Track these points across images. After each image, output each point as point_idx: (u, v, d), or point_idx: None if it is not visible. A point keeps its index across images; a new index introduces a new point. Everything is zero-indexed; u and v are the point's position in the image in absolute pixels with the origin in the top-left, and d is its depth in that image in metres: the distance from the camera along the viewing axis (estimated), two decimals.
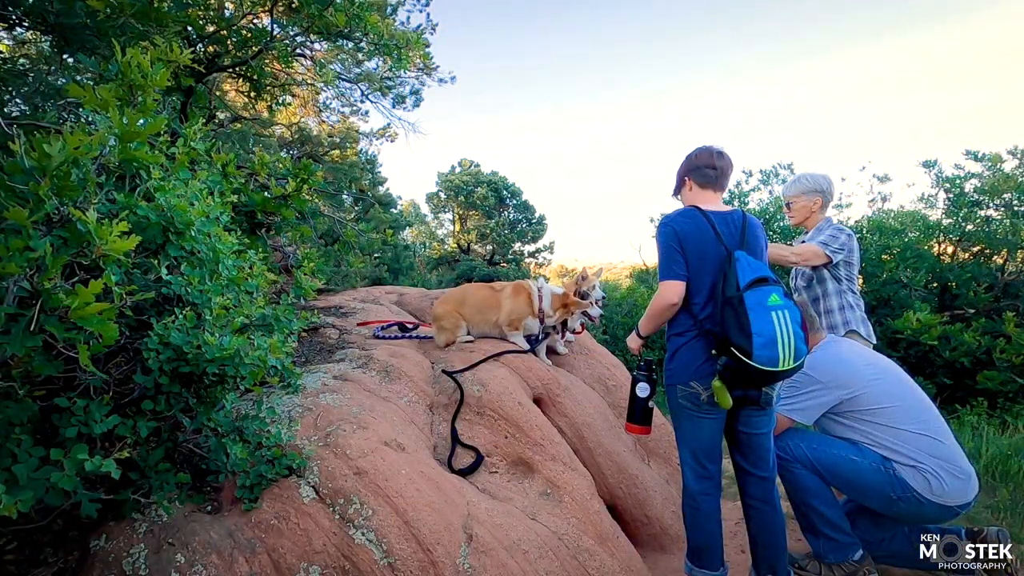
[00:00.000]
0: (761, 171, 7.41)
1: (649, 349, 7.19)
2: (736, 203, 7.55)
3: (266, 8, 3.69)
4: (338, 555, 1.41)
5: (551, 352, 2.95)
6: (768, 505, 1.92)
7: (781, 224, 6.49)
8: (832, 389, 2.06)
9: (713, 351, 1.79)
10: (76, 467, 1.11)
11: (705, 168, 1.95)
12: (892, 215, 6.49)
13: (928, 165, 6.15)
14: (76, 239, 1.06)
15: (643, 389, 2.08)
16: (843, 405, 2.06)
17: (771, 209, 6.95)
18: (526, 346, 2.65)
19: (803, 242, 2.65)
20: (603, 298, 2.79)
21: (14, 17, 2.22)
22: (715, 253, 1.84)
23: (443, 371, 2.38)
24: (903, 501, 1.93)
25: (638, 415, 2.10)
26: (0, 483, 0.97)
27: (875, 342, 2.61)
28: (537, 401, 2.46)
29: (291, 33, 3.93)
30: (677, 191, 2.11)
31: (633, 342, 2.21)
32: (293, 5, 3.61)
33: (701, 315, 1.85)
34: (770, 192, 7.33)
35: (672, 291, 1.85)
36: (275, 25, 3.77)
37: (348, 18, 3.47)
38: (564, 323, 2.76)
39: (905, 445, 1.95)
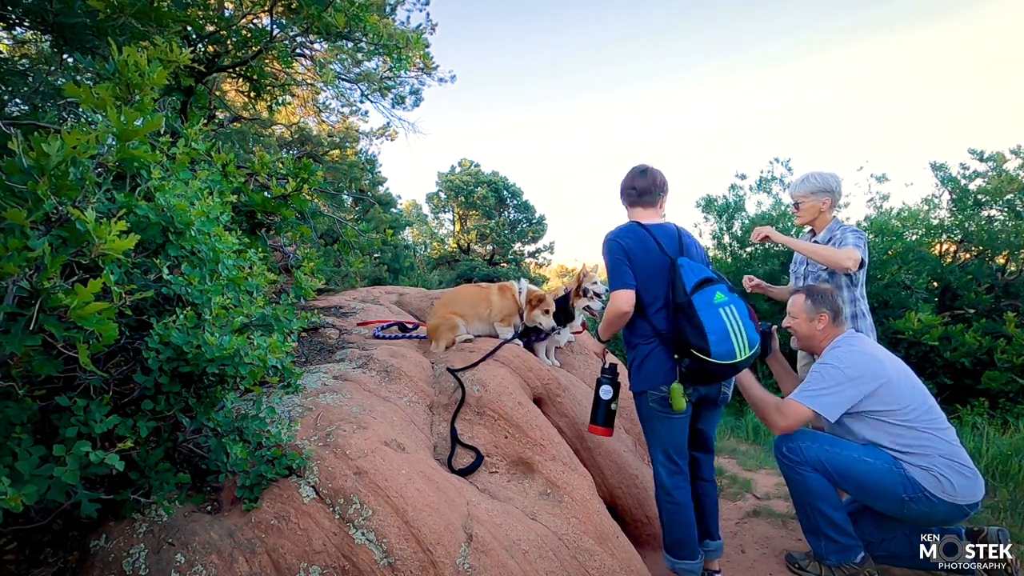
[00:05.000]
0: (760, 175, 7.33)
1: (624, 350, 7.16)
2: (731, 210, 7.48)
3: (265, 8, 3.69)
4: (338, 555, 1.41)
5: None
6: (709, 482, 2.17)
7: (782, 227, 6.47)
8: (858, 384, 2.02)
9: (675, 355, 1.90)
10: (79, 461, 1.10)
11: (628, 189, 2.13)
12: (895, 215, 6.47)
13: (936, 167, 6.13)
14: (75, 238, 1.06)
15: (606, 392, 2.14)
16: (863, 403, 2.04)
17: (773, 214, 6.85)
18: (510, 335, 2.70)
19: (816, 241, 2.58)
20: (605, 291, 2.84)
21: (14, 17, 2.22)
22: (660, 262, 1.97)
23: (447, 368, 2.38)
24: (914, 502, 1.92)
25: (601, 417, 2.17)
26: (3, 478, 0.96)
27: None
28: (537, 401, 2.46)
29: (291, 33, 3.92)
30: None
31: (596, 347, 2.35)
32: (292, 6, 3.61)
33: (655, 320, 1.96)
34: (768, 194, 7.27)
35: (623, 300, 1.96)
36: (275, 25, 3.77)
37: (348, 18, 3.47)
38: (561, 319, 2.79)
39: (916, 443, 1.95)
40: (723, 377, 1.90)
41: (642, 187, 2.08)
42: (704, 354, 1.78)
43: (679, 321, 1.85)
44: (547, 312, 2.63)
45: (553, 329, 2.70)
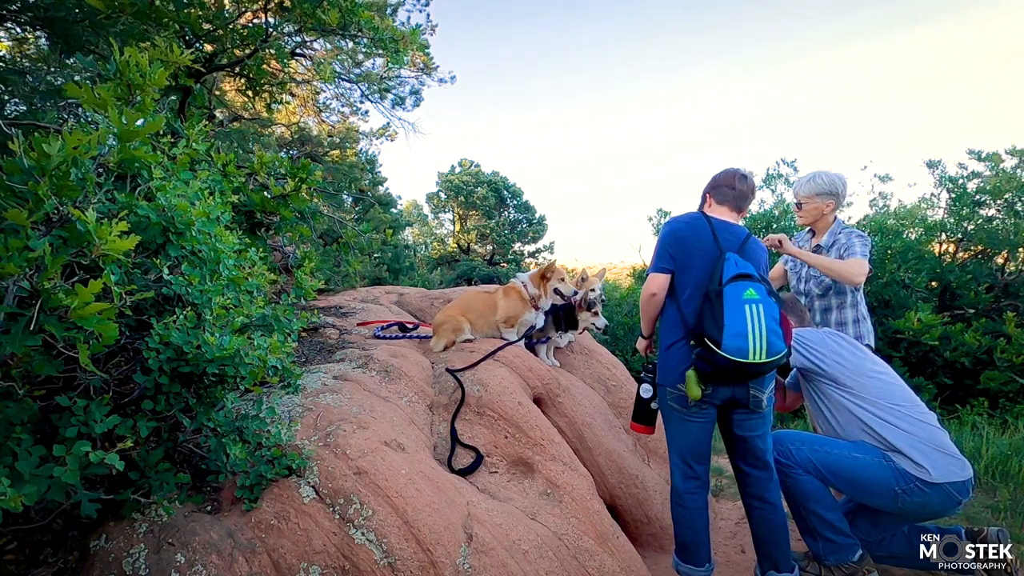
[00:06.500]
0: (767, 172, 7.32)
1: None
2: None
3: (260, 6, 3.67)
4: (338, 555, 1.41)
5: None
6: (768, 504, 1.98)
7: (783, 224, 6.46)
8: (831, 363, 2.11)
9: (692, 342, 1.87)
10: (79, 461, 1.11)
11: (725, 187, 2.07)
12: (894, 214, 6.46)
13: (932, 165, 6.13)
14: (75, 239, 1.06)
15: (646, 390, 2.14)
16: (845, 378, 2.10)
17: (775, 212, 6.87)
18: (513, 337, 2.72)
19: (818, 245, 2.59)
20: (603, 302, 2.89)
21: (6, 11, 2.21)
22: (708, 254, 1.92)
23: (447, 369, 2.38)
24: (908, 493, 1.92)
25: (642, 415, 2.18)
26: (3, 478, 0.96)
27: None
28: (537, 401, 2.46)
29: (285, 32, 3.91)
30: (700, 207, 2.19)
31: (639, 344, 2.32)
32: (285, 4, 3.59)
33: (685, 309, 1.93)
34: (772, 192, 7.25)
35: (654, 282, 1.98)
36: (268, 24, 3.75)
37: (342, 14, 3.45)
38: (567, 319, 2.81)
39: (899, 427, 1.98)
40: (735, 378, 1.81)
41: (740, 191, 2.06)
42: (715, 344, 1.72)
43: (702, 308, 1.82)
44: (562, 279, 2.68)
45: (575, 292, 2.74)
